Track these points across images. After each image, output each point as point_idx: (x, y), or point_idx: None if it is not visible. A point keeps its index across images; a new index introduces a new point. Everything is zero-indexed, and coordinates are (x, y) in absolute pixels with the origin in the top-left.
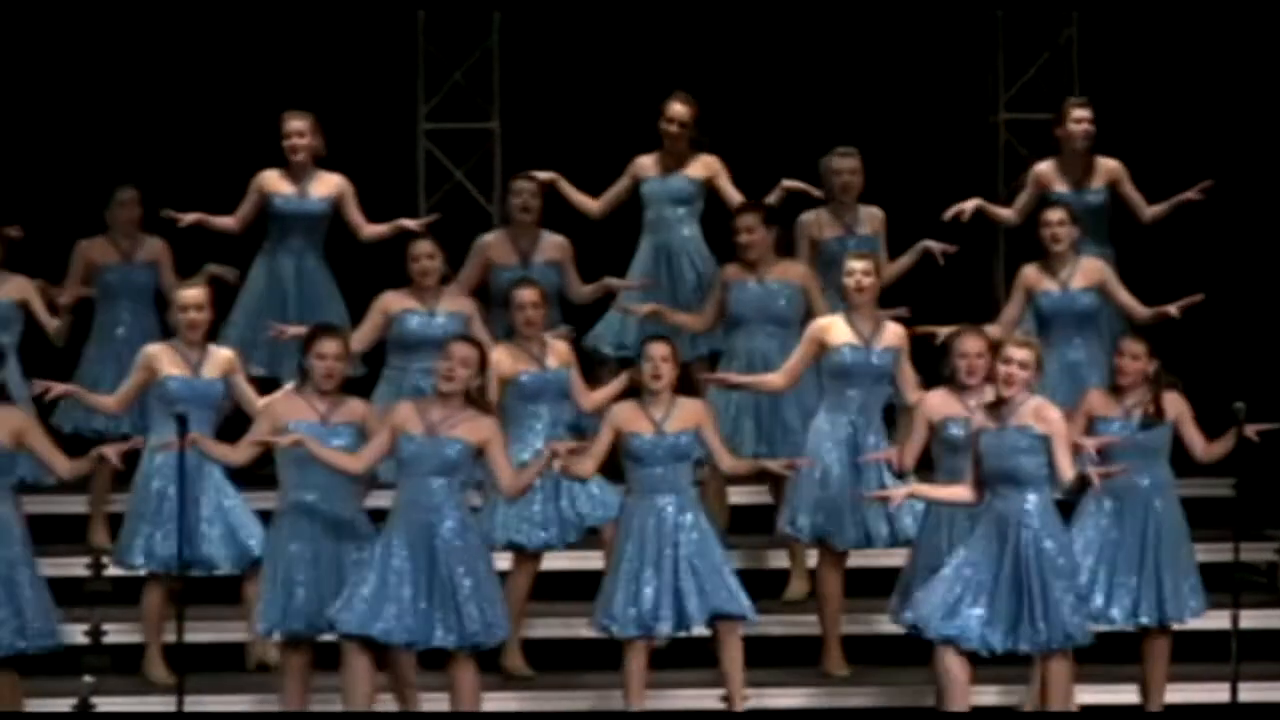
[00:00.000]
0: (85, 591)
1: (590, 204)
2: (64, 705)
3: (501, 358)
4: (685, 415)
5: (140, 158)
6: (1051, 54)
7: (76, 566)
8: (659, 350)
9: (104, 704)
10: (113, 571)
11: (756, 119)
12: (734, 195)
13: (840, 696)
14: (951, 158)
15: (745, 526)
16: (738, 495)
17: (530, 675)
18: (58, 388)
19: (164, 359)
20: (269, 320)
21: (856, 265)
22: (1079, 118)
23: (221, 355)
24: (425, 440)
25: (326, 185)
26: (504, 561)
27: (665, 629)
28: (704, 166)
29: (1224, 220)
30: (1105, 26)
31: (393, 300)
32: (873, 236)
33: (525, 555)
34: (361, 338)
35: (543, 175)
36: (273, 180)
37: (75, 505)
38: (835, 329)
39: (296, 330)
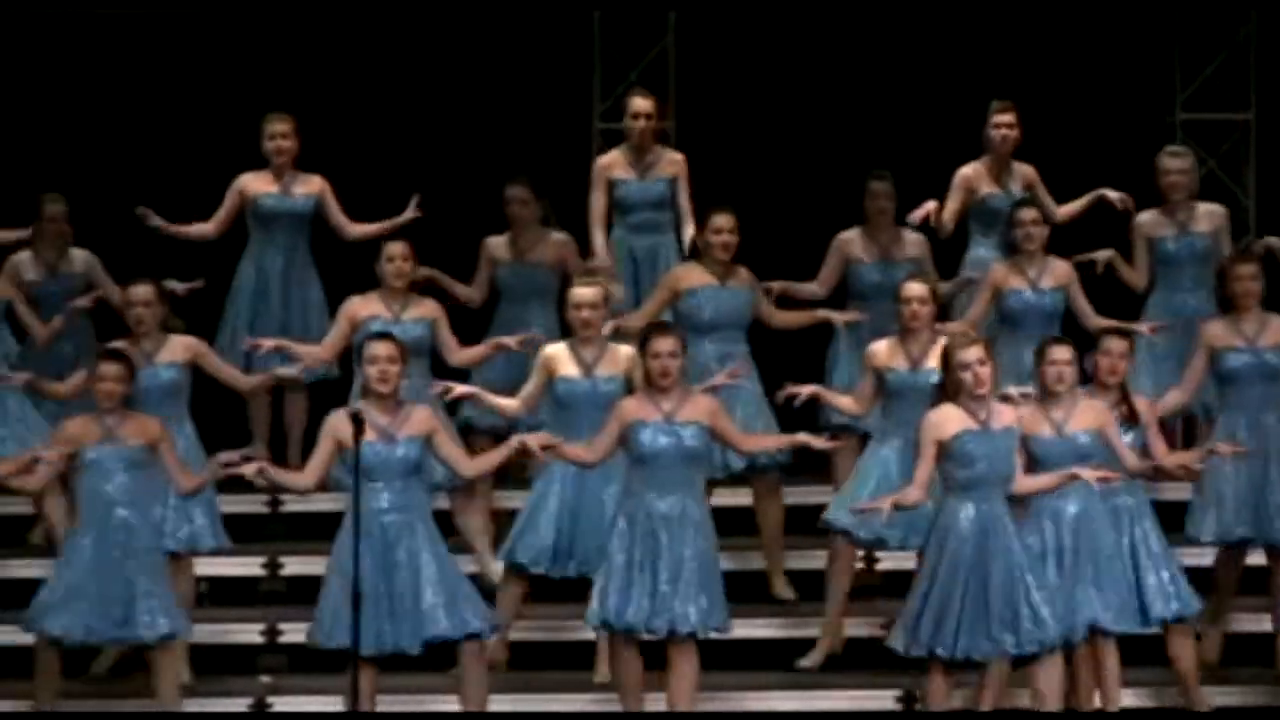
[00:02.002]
0: (260, 591)
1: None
2: (240, 705)
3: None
4: (1006, 415)
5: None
6: (1229, 53)
7: (253, 566)
8: (915, 290)
9: (280, 703)
10: (288, 571)
11: (937, 119)
12: (686, 200)
13: None
14: (1129, 158)
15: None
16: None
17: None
18: (458, 389)
19: (561, 360)
20: (261, 320)
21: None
22: (999, 123)
23: (622, 353)
24: (383, 446)
25: (309, 184)
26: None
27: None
28: (671, 164)
29: None
30: None
31: (359, 306)
32: (1208, 235)
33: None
34: (330, 345)
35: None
36: (254, 182)
37: (251, 505)
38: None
39: (271, 344)
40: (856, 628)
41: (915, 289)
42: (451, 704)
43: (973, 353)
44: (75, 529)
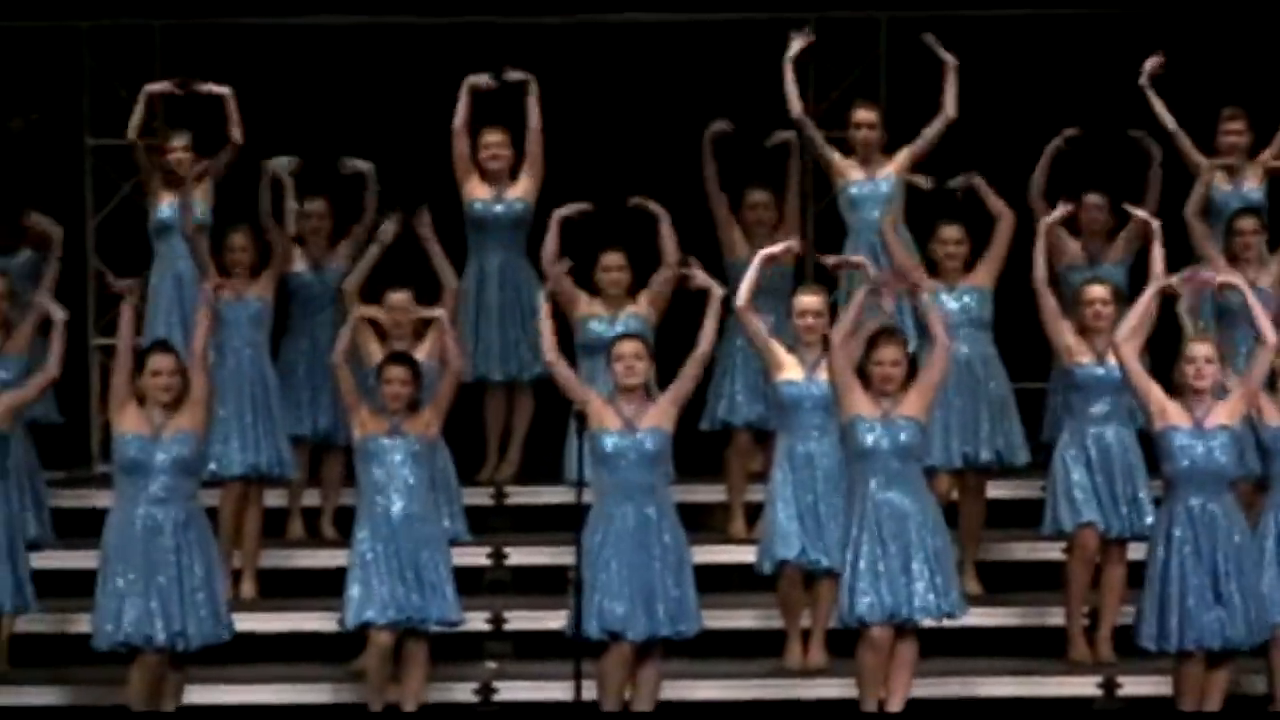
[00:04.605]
0: (486, 581)
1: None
2: (466, 691)
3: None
4: (1224, 409)
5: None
6: None
7: (479, 556)
8: (1098, 293)
9: (505, 689)
10: (512, 561)
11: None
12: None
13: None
14: None
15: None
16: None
17: (1112, 661)
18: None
19: (786, 363)
20: (483, 319)
21: None
22: (1228, 130)
23: None
24: (624, 436)
25: (521, 188)
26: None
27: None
28: (898, 165)
29: None
30: None
31: (583, 304)
32: None
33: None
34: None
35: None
36: (473, 186)
37: (478, 498)
38: None
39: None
40: (1058, 617)
41: (1098, 291)
42: (694, 691)
43: (1202, 349)
44: (360, 520)
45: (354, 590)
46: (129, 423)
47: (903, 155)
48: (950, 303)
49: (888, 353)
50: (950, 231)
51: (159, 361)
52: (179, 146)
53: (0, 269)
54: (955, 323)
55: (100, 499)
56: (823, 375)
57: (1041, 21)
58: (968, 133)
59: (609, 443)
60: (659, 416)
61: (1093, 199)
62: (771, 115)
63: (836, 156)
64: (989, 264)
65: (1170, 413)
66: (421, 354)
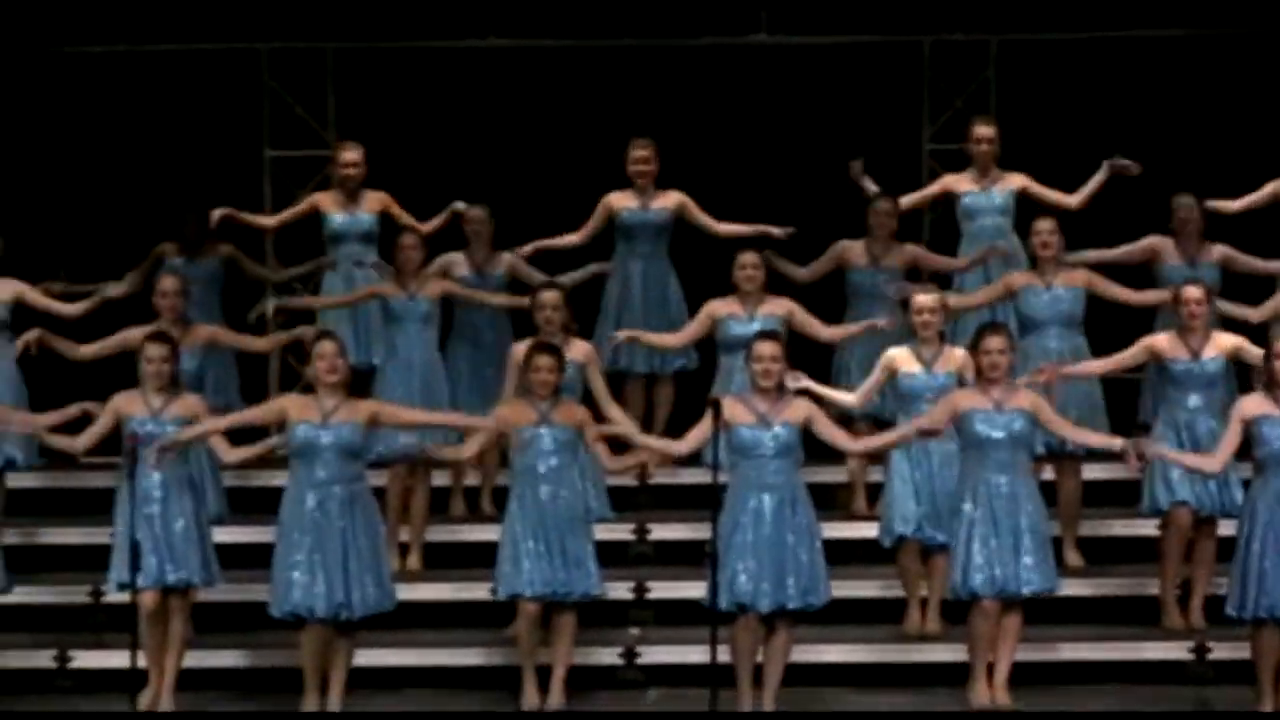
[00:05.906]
0: (630, 554)
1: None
2: (612, 654)
3: (1161, 341)
4: None
5: None
6: None
7: (624, 532)
8: (1195, 293)
9: (647, 653)
10: (655, 536)
11: (1241, 140)
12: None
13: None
14: None
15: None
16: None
17: (1203, 628)
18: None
19: (902, 359)
20: (626, 319)
21: None
22: None
23: (957, 353)
24: (759, 429)
25: (666, 199)
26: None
27: None
28: (1016, 180)
29: None
30: None
31: (718, 307)
32: None
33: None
34: (683, 336)
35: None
36: (619, 198)
37: (622, 478)
38: None
39: (626, 335)
40: (1153, 588)
41: (1194, 292)
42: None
43: None
44: (512, 502)
45: (505, 565)
46: (298, 411)
47: (1024, 180)
48: (1043, 294)
49: (994, 341)
50: (1043, 224)
51: (323, 346)
52: (350, 161)
53: (183, 271)
54: (1047, 318)
55: (278, 478)
56: (940, 368)
57: (1146, 44)
58: (1077, 153)
59: (745, 436)
60: (793, 415)
61: (1184, 200)
62: (890, 131)
63: (946, 179)
64: (1090, 275)
65: (1256, 405)
66: (576, 355)
